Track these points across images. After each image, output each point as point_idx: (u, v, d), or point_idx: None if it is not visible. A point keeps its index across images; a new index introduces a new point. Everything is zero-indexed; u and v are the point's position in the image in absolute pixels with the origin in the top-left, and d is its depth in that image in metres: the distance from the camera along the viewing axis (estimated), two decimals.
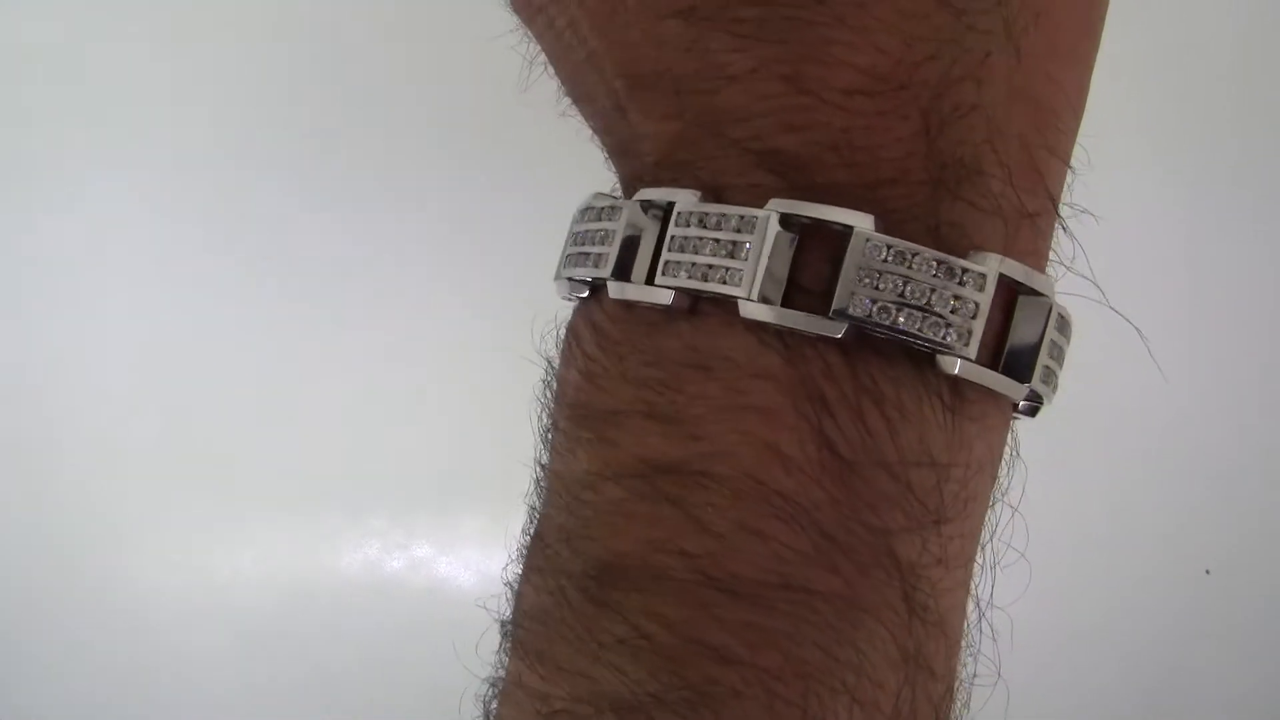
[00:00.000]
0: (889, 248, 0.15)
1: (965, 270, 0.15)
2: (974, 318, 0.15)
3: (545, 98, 0.20)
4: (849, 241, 0.15)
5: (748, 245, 0.15)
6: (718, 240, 0.15)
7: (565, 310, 0.19)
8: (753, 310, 0.15)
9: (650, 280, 0.16)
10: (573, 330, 0.18)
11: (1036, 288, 0.15)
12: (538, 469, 0.19)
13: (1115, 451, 0.48)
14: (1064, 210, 0.17)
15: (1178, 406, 0.49)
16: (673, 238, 0.16)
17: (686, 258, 0.15)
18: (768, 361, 0.15)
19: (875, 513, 0.15)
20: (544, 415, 0.18)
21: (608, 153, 0.18)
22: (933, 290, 0.15)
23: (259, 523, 0.52)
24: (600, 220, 0.17)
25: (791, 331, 0.15)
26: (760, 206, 0.15)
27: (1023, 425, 0.18)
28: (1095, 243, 0.18)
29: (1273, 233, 0.48)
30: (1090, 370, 0.18)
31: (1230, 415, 0.48)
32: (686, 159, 0.16)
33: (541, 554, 0.17)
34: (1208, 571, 0.49)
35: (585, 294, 0.17)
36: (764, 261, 0.15)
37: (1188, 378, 0.49)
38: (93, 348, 0.51)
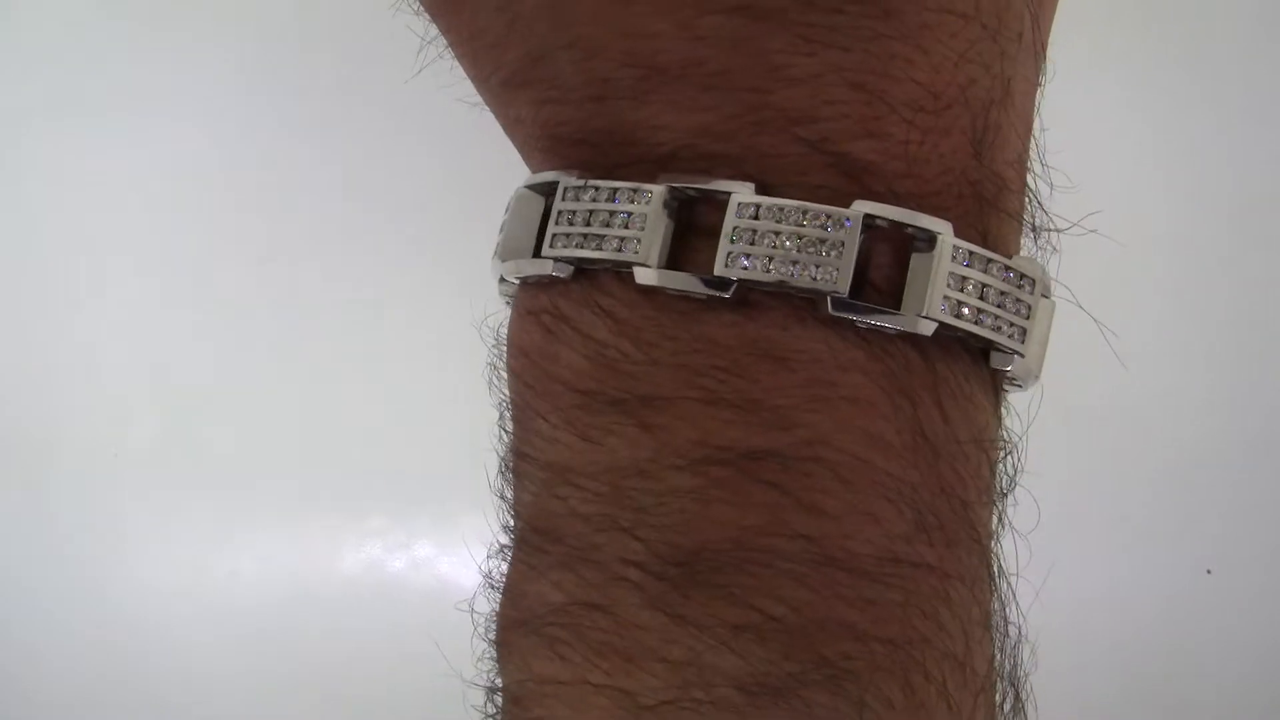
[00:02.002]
0: (972, 254, 0.16)
1: (1023, 276, 0.16)
2: (1029, 319, 0.16)
3: None
4: (924, 246, 0.16)
5: (841, 243, 0.15)
6: (801, 237, 0.16)
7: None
8: (845, 308, 0.16)
9: (674, 267, 0.16)
10: (557, 314, 0.17)
11: (1048, 293, 0.17)
12: (510, 461, 0.18)
13: (1115, 451, 0.48)
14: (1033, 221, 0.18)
15: (1178, 406, 0.49)
16: (736, 229, 0.16)
17: (760, 250, 0.16)
18: (852, 356, 0.16)
19: (959, 491, 0.16)
20: (510, 404, 0.18)
21: (552, 142, 0.18)
22: (1004, 294, 0.16)
23: (259, 523, 0.52)
24: (614, 203, 0.17)
25: (871, 328, 0.16)
26: (832, 206, 0.15)
27: (1021, 426, 0.19)
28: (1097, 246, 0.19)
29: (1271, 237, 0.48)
30: (1090, 371, 0.19)
31: (1231, 415, 0.48)
32: (721, 152, 0.16)
33: (562, 549, 0.17)
34: (1209, 571, 0.49)
35: (562, 276, 0.17)
36: (853, 260, 0.15)
37: (1188, 377, 0.49)
38: (92, 348, 0.51)
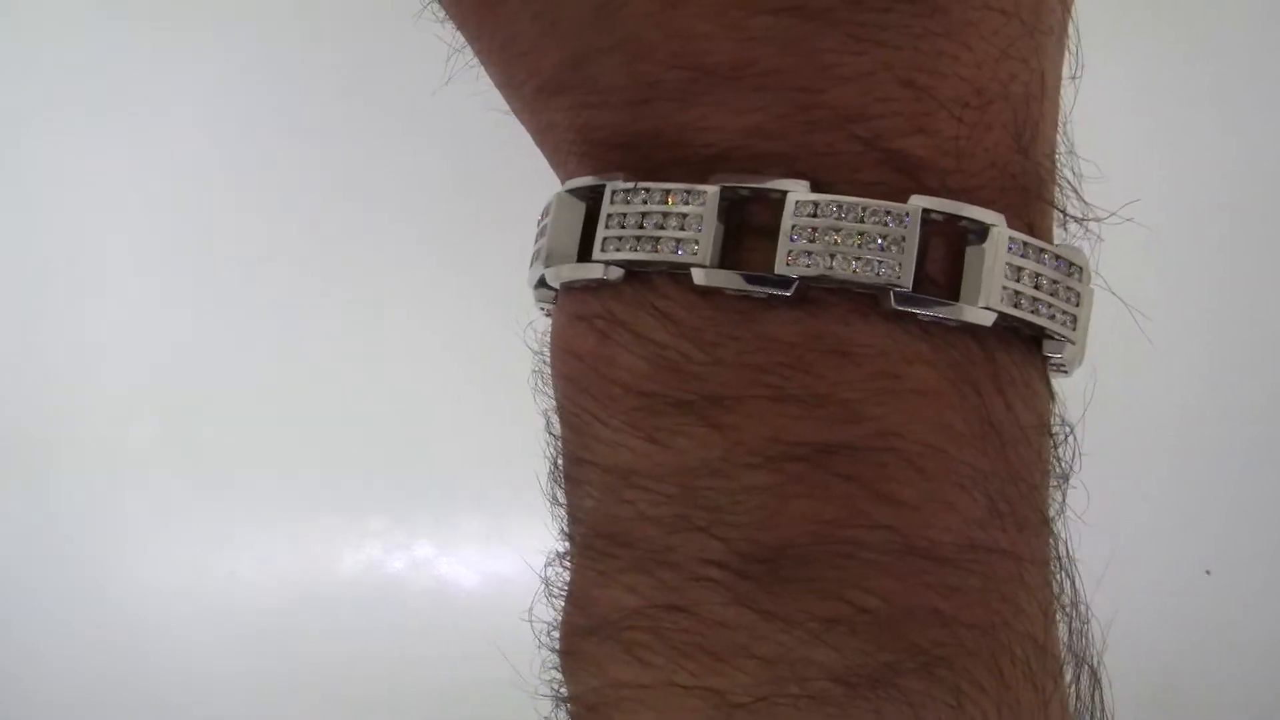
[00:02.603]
0: (1025, 244, 0.16)
1: (1072, 264, 0.17)
2: (1078, 306, 0.17)
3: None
4: (977, 239, 0.16)
5: (902, 238, 0.16)
6: (862, 233, 0.16)
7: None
8: (909, 302, 0.16)
9: (734, 268, 0.16)
10: (611, 318, 0.17)
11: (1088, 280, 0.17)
12: (565, 468, 0.18)
13: (1115, 450, 0.48)
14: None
15: (1178, 405, 0.49)
16: (795, 227, 0.16)
17: (820, 247, 0.16)
18: (916, 349, 0.16)
19: (1026, 476, 0.17)
20: (561, 410, 0.18)
21: (590, 147, 0.18)
22: (1055, 282, 0.16)
23: (259, 523, 0.52)
24: (665, 203, 0.17)
25: (933, 320, 0.16)
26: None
27: (1075, 412, 0.20)
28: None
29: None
30: (1089, 370, 0.19)
31: (1232, 414, 0.48)
32: (773, 151, 0.16)
33: (633, 553, 0.17)
34: (1208, 572, 0.49)
35: (613, 280, 0.17)
36: (914, 254, 0.16)
37: (1188, 377, 0.49)
38: (92, 348, 0.51)
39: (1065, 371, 0.18)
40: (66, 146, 0.51)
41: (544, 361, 0.19)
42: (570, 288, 0.18)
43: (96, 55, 0.51)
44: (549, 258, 0.18)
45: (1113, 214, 0.19)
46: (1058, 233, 0.18)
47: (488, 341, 0.48)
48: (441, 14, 0.19)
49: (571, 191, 0.18)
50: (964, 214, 0.16)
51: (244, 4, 0.51)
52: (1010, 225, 0.16)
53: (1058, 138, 0.18)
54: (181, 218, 0.51)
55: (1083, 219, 0.18)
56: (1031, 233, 0.17)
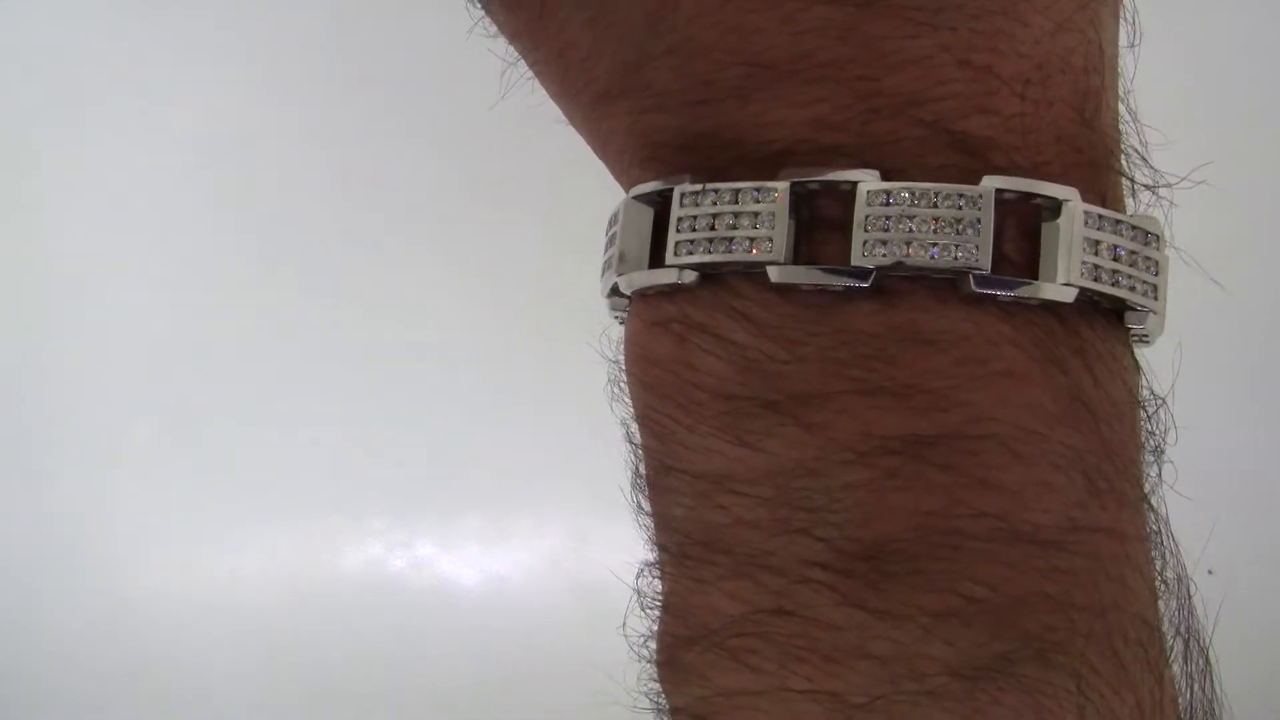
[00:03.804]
0: (1101, 217, 0.16)
1: (1149, 233, 0.16)
2: (1157, 274, 0.17)
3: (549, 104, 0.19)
4: (1051, 215, 0.16)
5: (977, 220, 0.16)
6: (937, 218, 0.16)
7: (588, 313, 0.19)
8: (989, 283, 0.16)
9: (809, 262, 0.16)
10: (688, 322, 0.17)
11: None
12: (650, 476, 0.18)
13: None
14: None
15: (1178, 404, 0.49)
16: (869, 217, 0.16)
17: (896, 236, 0.16)
18: (1000, 331, 0.16)
19: (1121, 451, 0.16)
20: (643, 418, 0.18)
21: (653, 150, 0.17)
22: (1134, 253, 0.16)
23: (261, 523, 0.52)
24: (737, 203, 0.17)
25: (1013, 300, 0.16)
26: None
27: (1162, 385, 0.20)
28: None
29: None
30: (1172, 340, 0.19)
31: (1232, 414, 0.48)
32: (837, 143, 0.16)
33: (732, 560, 0.16)
34: (1210, 572, 0.48)
35: (690, 282, 0.17)
36: (991, 235, 0.15)
37: (1189, 377, 0.49)
38: (94, 348, 0.51)
39: (1148, 342, 0.18)
40: (68, 146, 0.51)
41: (620, 370, 0.19)
42: (644, 294, 0.18)
43: (97, 53, 0.51)
44: (621, 264, 0.18)
45: (1183, 179, 0.19)
46: (1128, 203, 0.18)
47: (490, 342, 0.53)
48: (493, 29, 0.19)
49: (638, 198, 0.18)
50: (1037, 191, 0.16)
51: (251, 6, 0.51)
52: (1083, 198, 0.16)
53: (1120, 107, 0.18)
54: (186, 217, 0.51)
55: (1154, 186, 0.18)
56: (1104, 204, 0.17)
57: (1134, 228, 0.16)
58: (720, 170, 0.17)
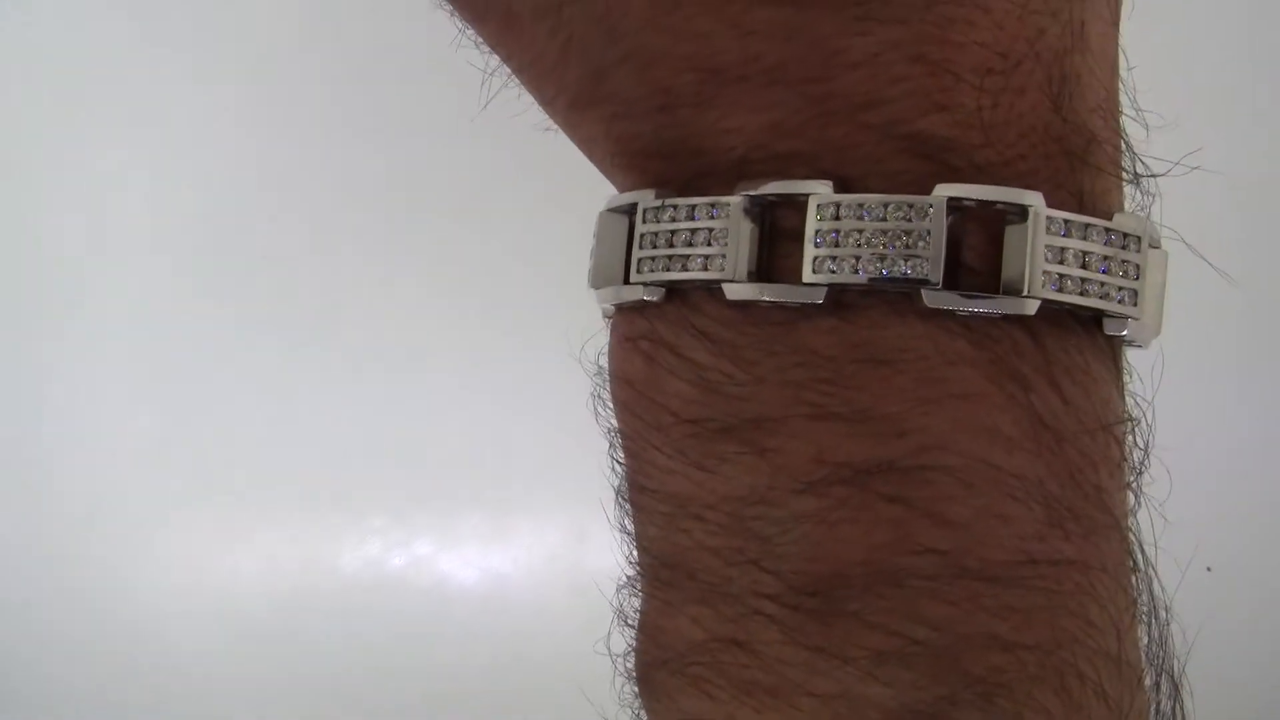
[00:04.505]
0: (1066, 222, 0.15)
1: (1126, 235, 0.16)
2: (1138, 279, 0.16)
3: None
4: (1018, 218, 0.15)
5: (927, 232, 0.15)
6: (885, 231, 0.15)
7: (584, 312, 0.19)
8: (942, 299, 0.15)
9: (768, 280, 0.16)
10: (656, 339, 0.17)
11: (1157, 242, 0.16)
12: (628, 494, 0.18)
13: None
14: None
15: (1179, 404, 0.49)
16: (818, 231, 0.15)
17: (845, 251, 0.15)
18: (958, 348, 0.15)
19: (1090, 476, 0.16)
20: (620, 435, 0.18)
21: (630, 158, 0.17)
22: (1107, 258, 0.15)
23: (260, 522, 0.52)
24: (694, 219, 0.16)
25: (972, 314, 0.15)
26: (915, 192, 0.15)
27: (1148, 389, 0.19)
28: None
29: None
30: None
31: (1232, 413, 0.48)
32: (794, 150, 0.16)
33: (696, 585, 0.16)
34: (1209, 569, 0.48)
35: (654, 300, 0.17)
36: (943, 247, 0.15)
37: (1190, 376, 0.49)
38: (92, 348, 0.51)
39: (1139, 345, 0.17)
40: (70, 147, 0.51)
41: (604, 382, 0.18)
42: (621, 309, 0.18)
43: (100, 52, 0.51)
44: (595, 279, 0.18)
45: (1176, 164, 0.18)
46: (1129, 191, 0.17)
47: (488, 342, 0.53)
48: (479, 39, 0.19)
49: (614, 210, 0.18)
50: (992, 197, 0.15)
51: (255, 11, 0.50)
52: (1056, 197, 0.15)
53: (1115, 88, 0.17)
54: (188, 216, 0.51)
55: (1136, 176, 0.17)
56: (1082, 201, 0.16)
57: (1108, 230, 0.16)
58: (690, 180, 0.17)
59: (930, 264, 0.15)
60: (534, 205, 0.49)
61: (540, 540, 0.53)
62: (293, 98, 0.50)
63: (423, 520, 0.52)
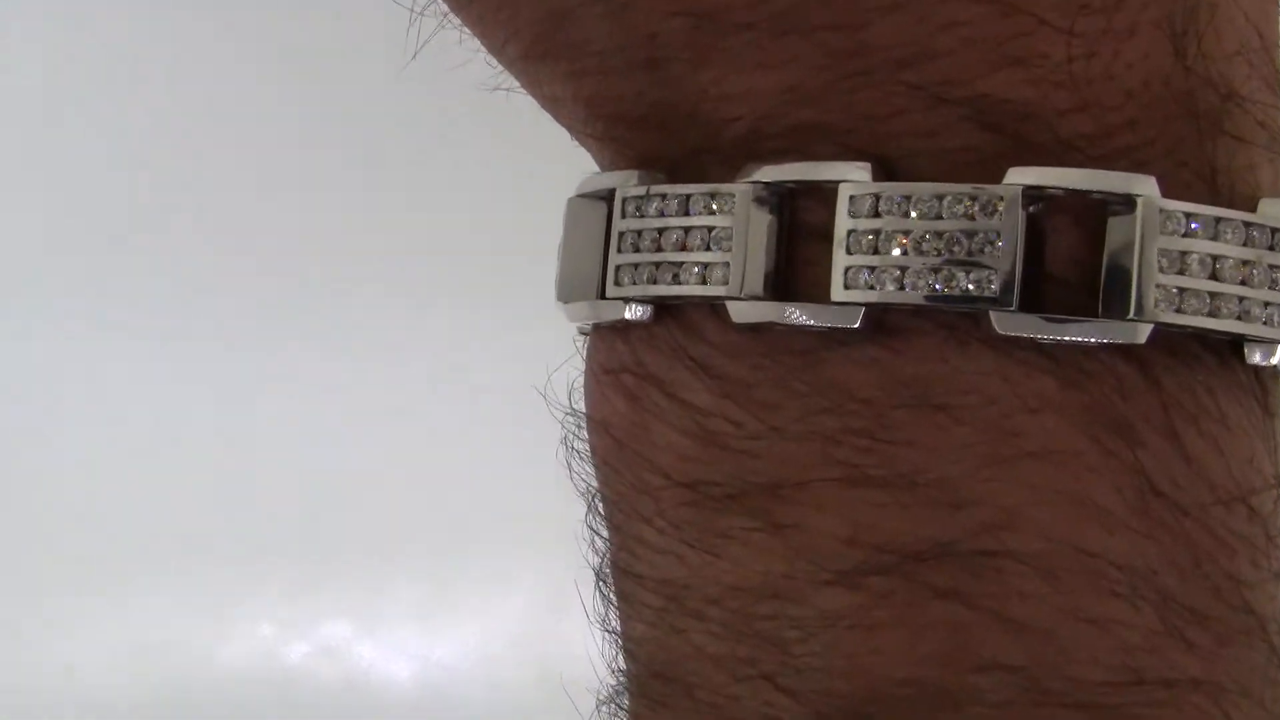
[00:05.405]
0: (1189, 216, 0.14)
1: (1276, 231, 0.14)
2: None
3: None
4: (1124, 208, 0.14)
5: (997, 233, 0.13)
6: (940, 233, 0.14)
7: (552, 329, 0.18)
8: (1019, 323, 0.13)
9: (785, 295, 0.14)
10: (642, 372, 0.15)
11: None
12: (611, 577, 0.17)
13: None
14: None
15: None
16: (852, 233, 0.14)
17: (889, 260, 0.14)
18: (1039, 388, 0.14)
19: (1223, 561, 0.14)
20: (604, 500, 0.16)
21: (607, 126, 0.16)
22: (1247, 263, 0.14)
23: (101, 602, 0.46)
24: (689, 214, 0.15)
25: (1060, 343, 0.14)
26: (979, 178, 0.14)
27: None
28: None
29: None
30: None
31: None
32: (816, 121, 0.14)
33: (690, 707, 0.15)
34: None
35: (640, 320, 0.15)
36: (1020, 254, 0.13)
37: None
38: None
39: None
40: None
41: (579, 426, 0.17)
42: (598, 329, 0.16)
43: (97, 59, 0.47)
44: (563, 290, 0.17)
45: None
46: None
47: (432, 356, 0.48)
48: None
49: (586, 196, 0.16)
50: (1084, 186, 0.13)
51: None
52: (1176, 180, 0.14)
53: (1275, 22, 0.15)
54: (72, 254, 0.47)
55: None
56: (1215, 184, 0.14)
57: (1250, 225, 0.14)
58: (684, 159, 0.15)
59: (1001, 277, 0.14)
60: (485, 192, 0.45)
61: (497, 619, 0.48)
62: (292, 115, 0.46)
63: (334, 594, 0.47)
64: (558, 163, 0.18)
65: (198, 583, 0.46)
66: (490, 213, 0.45)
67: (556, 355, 0.18)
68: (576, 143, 0.18)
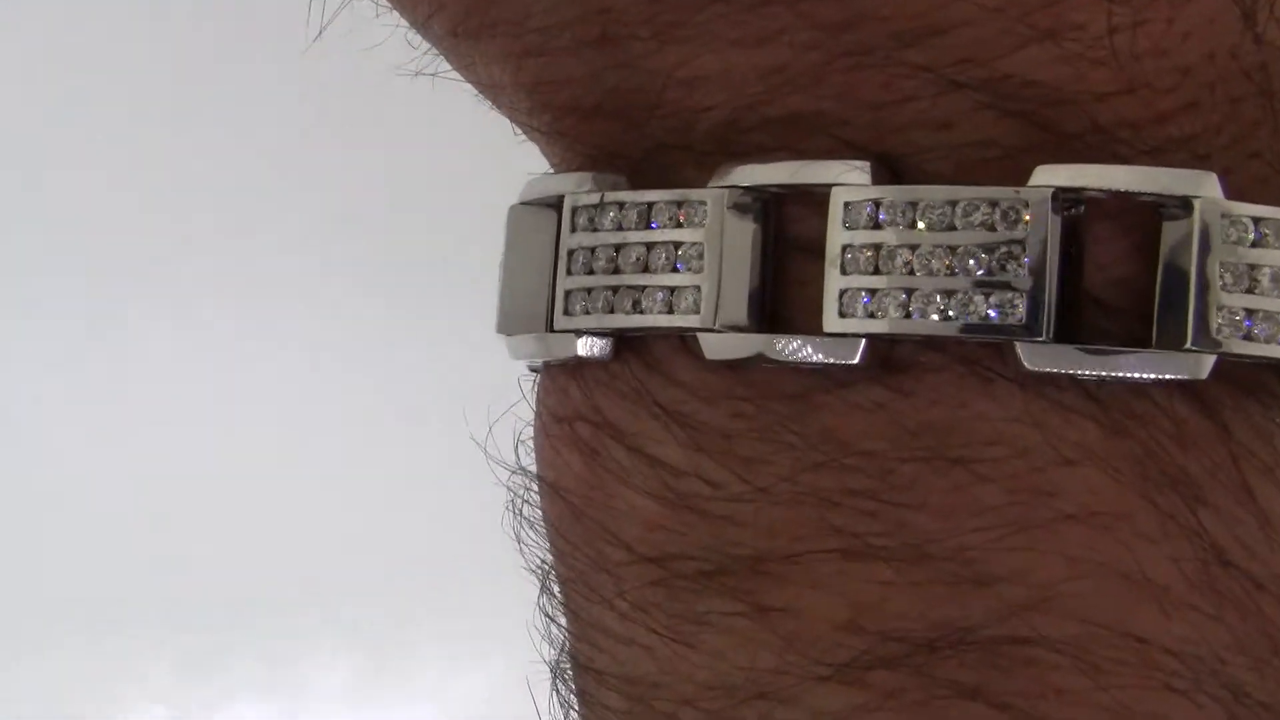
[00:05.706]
0: (1256, 222, 0.12)
1: None
2: None
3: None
4: (1179, 212, 0.13)
5: (1023, 247, 0.12)
6: (954, 247, 0.13)
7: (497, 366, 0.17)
8: (1053, 356, 0.12)
9: (773, 324, 0.14)
10: (599, 421, 0.15)
11: None
12: (569, 672, 0.16)
13: None
14: None
15: None
16: (849, 247, 0.13)
17: (894, 281, 0.13)
18: (1079, 435, 0.13)
19: None
20: (559, 579, 0.16)
21: (554, 118, 0.15)
22: None
23: None
24: (651, 226, 0.14)
25: (1104, 379, 0.13)
26: (1002, 179, 0.13)
27: None
28: None
29: None
30: None
31: None
32: (805, 110, 0.13)
33: None
34: None
35: (596, 357, 0.15)
36: (1052, 271, 0.12)
37: None
38: None
39: None
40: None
41: (527, 487, 0.16)
42: (548, 367, 0.16)
43: (96, 62, 0.45)
44: (504, 321, 0.16)
45: None
46: None
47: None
48: None
49: (531, 204, 0.16)
50: (1129, 187, 0.12)
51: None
52: (1243, 176, 0.13)
53: None
54: None
55: None
56: None
57: None
58: (649, 156, 0.14)
59: (1029, 300, 0.12)
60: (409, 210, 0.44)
61: (454, 702, 0.43)
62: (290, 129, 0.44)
63: (245, 670, 0.42)
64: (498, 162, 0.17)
65: (75, 656, 0.43)
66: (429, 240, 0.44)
67: (503, 400, 0.17)
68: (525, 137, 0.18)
